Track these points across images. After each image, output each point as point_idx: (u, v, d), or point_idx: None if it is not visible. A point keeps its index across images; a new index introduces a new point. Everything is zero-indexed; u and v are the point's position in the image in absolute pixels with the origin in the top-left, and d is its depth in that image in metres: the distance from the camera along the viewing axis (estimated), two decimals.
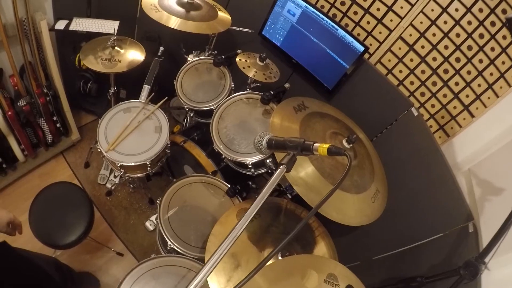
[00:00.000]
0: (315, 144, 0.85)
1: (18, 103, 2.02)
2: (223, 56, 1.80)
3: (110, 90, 2.12)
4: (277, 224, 1.50)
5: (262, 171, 1.71)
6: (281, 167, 0.82)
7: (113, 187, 2.38)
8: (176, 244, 1.53)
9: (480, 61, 1.69)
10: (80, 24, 2.15)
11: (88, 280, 2.04)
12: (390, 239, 1.85)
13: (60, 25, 2.12)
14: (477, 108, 1.77)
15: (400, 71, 1.95)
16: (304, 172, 1.28)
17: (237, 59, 1.79)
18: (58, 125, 2.34)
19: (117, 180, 2.38)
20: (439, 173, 1.68)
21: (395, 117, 1.86)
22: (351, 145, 1.39)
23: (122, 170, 1.81)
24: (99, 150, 1.76)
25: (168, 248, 1.56)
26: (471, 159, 1.75)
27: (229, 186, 1.73)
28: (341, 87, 1.96)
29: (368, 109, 1.95)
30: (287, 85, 1.74)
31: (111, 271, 2.13)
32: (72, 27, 2.13)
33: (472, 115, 1.79)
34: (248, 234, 1.38)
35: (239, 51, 1.90)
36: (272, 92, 1.65)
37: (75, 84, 2.46)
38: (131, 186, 2.40)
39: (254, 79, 1.75)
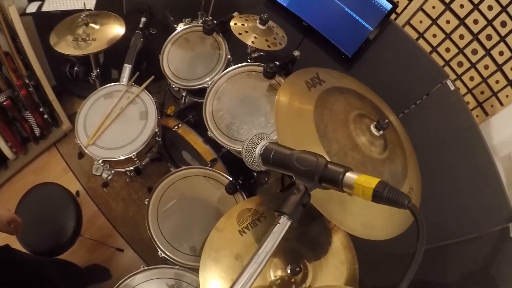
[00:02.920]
0: (348, 174, 0.45)
1: None
2: (214, 21, 1.36)
3: (91, 73, 1.76)
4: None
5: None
6: (282, 218, 0.45)
7: (109, 177, 2.04)
8: (169, 254, 1.21)
9: None
10: (53, 4, 1.76)
11: (96, 273, 1.83)
12: (414, 234, 1.50)
13: (32, 8, 1.75)
14: None
15: (434, 35, 1.51)
16: None
17: (232, 23, 1.34)
18: (45, 116, 2.04)
19: (113, 170, 2.05)
20: (478, 160, 1.32)
21: (426, 91, 1.47)
22: (381, 132, 0.98)
23: (107, 165, 1.49)
24: (79, 145, 1.43)
25: (160, 257, 1.24)
26: (511, 142, 1.40)
27: (230, 179, 1.36)
28: (362, 54, 1.53)
29: (394, 81, 1.55)
30: (296, 53, 1.31)
31: (112, 268, 1.87)
32: (45, 7, 1.75)
33: None
34: (255, 239, 1.03)
35: (235, 13, 1.45)
36: (277, 63, 1.22)
37: (62, 70, 2.12)
38: (128, 175, 2.07)
39: (255, 47, 1.32)
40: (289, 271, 0.95)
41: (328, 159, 0.88)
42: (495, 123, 1.49)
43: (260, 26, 1.34)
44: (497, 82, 1.45)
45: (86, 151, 1.39)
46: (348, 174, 0.46)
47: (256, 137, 0.58)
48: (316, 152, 0.52)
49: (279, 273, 0.97)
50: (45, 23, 1.80)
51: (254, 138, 0.58)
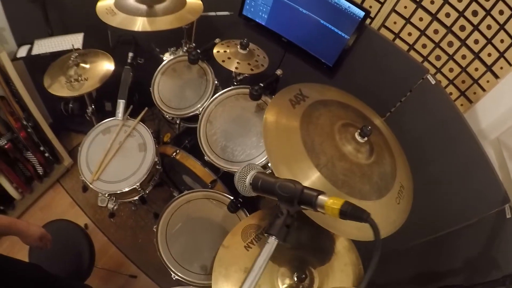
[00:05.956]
0: (320, 197, 0.55)
1: None
2: (198, 51, 1.47)
3: (87, 110, 1.86)
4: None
5: (268, 172, 1.42)
6: (271, 238, 0.54)
7: (115, 207, 2.15)
8: (181, 275, 1.31)
9: (501, 12, 1.38)
10: (42, 46, 1.87)
11: None
12: (413, 228, 1.58)
13: (22, 52, 1.86)
14: (501, 68, 1.47)
15: (409, 34, 1.60)
16: (308, 181, 0.98)
17: (215, 51, 1.46)
18: (46, 154, 2.16)
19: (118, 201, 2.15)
20: (466, 148, 1.38)
21: (409, 88, 1.54)
22: (365, 139, 1.08)
23: (113, 198, 1.59)
24: (82, 179, 1.52)
25: (174, 279, 1.33)
26: (498, 125, 1.48)
27: (230, 198, 1.45)
28: (343, 61, 1.63)
29: (377, 83, 1.64)
30: (279, 72, 1.41)
31: None
32: (35, 51, 1.85)
33: (497, 76, 1.50)
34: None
35: (216, 40, 1.57)
36: (261, 85, 1.33)
37: (57, 107, 2.22)
38: (133, 203, 2.17)
39: (238, 72, 1.43)
40: (295, 279, 1.04)
41: (319, 172, 0.98)
42: (480, 109, 1.56)
43: (242, 51, 1.44)
44: (476, 69, 1.52)
45: (91, 186, 1.49)
46: (320, 197, 0.56)
47: (246, 168, 0.68)
48: (292, 179, 0.62)
49: (287, 281, 1.05)
50: (36, 65, 1.91)
51: (244, 169, 0.68)
